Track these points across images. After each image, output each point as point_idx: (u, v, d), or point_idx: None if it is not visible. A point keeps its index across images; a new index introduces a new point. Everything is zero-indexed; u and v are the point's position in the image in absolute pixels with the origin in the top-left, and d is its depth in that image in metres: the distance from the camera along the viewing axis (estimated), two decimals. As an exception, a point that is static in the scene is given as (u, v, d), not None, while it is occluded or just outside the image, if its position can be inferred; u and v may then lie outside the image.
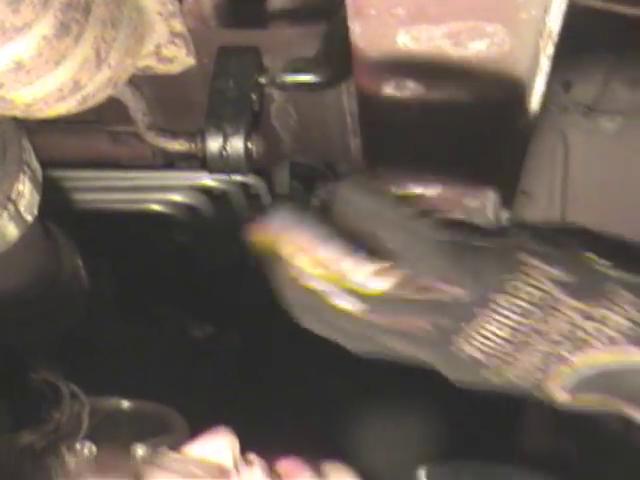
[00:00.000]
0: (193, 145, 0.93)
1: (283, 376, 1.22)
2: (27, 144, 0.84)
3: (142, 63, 0.80)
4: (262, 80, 0.96)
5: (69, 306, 1.02)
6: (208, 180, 1.07)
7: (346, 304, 0.68)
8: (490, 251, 0.70)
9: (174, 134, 0.93)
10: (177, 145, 0.93)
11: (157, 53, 0.82)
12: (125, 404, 0.95)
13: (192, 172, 1.07)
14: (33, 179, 0.84)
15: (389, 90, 0.93)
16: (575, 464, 0.68)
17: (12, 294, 0.93)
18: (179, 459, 0.87)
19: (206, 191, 1.09)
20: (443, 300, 0.69)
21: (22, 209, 0.83)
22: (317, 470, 0.93)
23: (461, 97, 0.90)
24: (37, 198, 0.85)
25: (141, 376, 1.08)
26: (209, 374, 1.19)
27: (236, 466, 0.89)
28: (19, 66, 0.63)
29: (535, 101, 0.95)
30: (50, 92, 0.67)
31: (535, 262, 0.70)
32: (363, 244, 0.68)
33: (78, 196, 1.07)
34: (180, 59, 0.84)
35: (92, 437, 0.86)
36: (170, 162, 1.08)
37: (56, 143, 1.04)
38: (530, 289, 0.69)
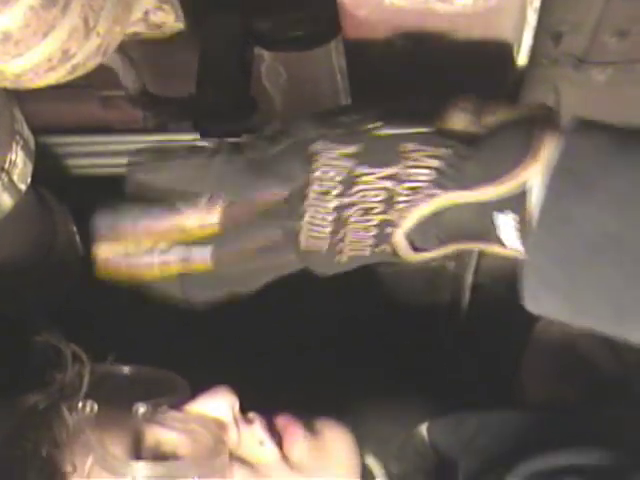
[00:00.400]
0: (184, 108, 0.94)
1: (278, 337, 1.23)
2: (18, 114, 0.84)
3: (131, 30, 0.80)
4: (251, 40, 0.96)
5: (64, 273, 1.02)
6: (200, 143, 1.07)
7: (201, 259, 0.76)
8: (286, 153, 0.75)
9: (165, 98, 0.93)
10: (168, 109, 0.93)
11: (145, 20, 0.82)
12: (125, 369, 0.95)
13: (184, 135, 1.07)
14: (25, 148, 0.84)
15: (377, 47, 0.92)
16: (574, 410, 0.69)
17: (7, 263, 0.93)
18: (179, 417, 0.89)
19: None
20: (270, 210, 0.75)
21: (15, 178, 0.83)
22: (311, 426, 0.94)
23: (449, 53, 0.90)
24: (30, 167, 0.85)
25: (138, 339, 1.09)
26: (202, 336, 1.19)
27: (236, 423, 0.89)
28: (7, 38, 0.63)
29: (524, 54, 0.95)
30: (39, 62, 0.66)
31: (326, 146, 0.75)
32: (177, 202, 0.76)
33: (70, 162, 1.07)
34: (169, 24, 0.84)
35: (93, 396, 0.87)
36: (162, 126, 1.08)
37: (47, 109, 1.04)
38: (331, 173, 0.74)
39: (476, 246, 0.77)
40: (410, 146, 0.74)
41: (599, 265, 0.69)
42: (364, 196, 0.74)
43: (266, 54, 1.01)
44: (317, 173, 0.74)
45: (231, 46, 0.93)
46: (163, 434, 0.89)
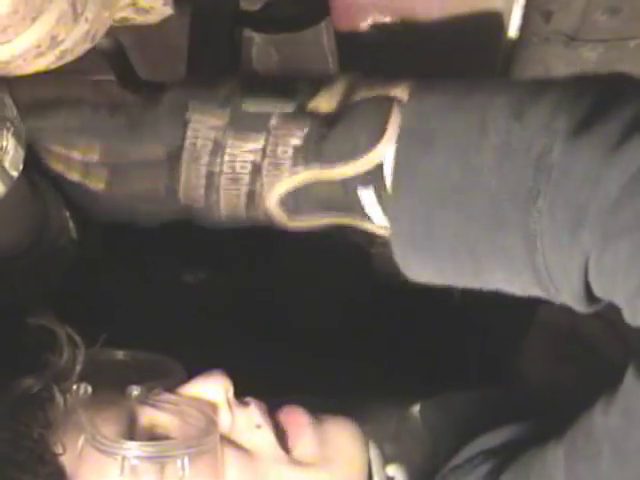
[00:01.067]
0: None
1: (276, 317, 1.23)
2: (8, 100, 0.84)
3: (119, 15, 0.80)
4: (241, 23, 0.96)
5: (58, 258, 1.02)
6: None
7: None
8: (164, 116, 0.80)
9: (155, 83, 0.93)
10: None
11: (134, 4, 0.81)
12: (120, 354, 0.95)
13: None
14: (16, 135, 0.84)
15: (366, 28, 0.93)
16: (576, 392, 0.71)
17: (1, 248, 0.93)
18: (172, 399, 0.90)
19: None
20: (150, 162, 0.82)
21: (7, 165, 0.83)
22: (317, 418, 0.94)
23: (438, 33, 0.90)
24: (22, 153, 0.85)
25: (133, 325, 1.09)
26: (202, 320, 1.19)
27: (230, 406, 0.90)
28: (-5, 24, 0.63)
29: (513, 33, 0.95)
30: (28, 49, 0.66)
31: (196, 114, 0.79)
32: None
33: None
34: (157, 9, 0.84)
35: (87, 379, 0.88)
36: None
37: (37, 94, 1.03)
38: (202, 141, 0.79)
39: (348, 221, 0.82)
40: (274, 122, 0.79)
41: (448, 217, 0.72)
42: (232, 167, 0.80)
43: (257, 36, 1.01)
44: (188, 141, 0.79)
45: (221, 29, 0.93)
46: (156, 416, 0.90)
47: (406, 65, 0.92)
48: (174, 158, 0.80)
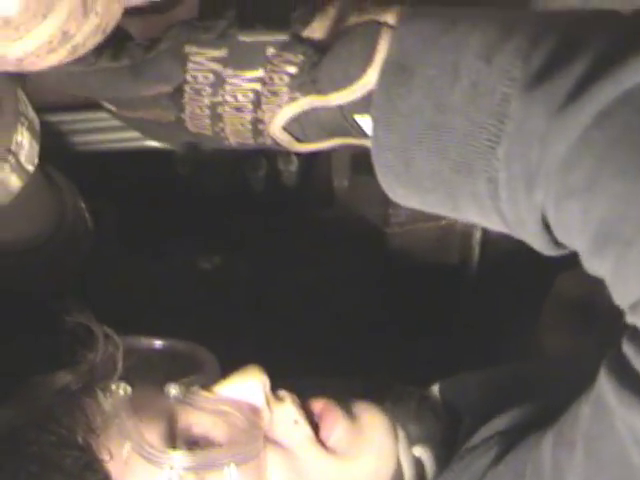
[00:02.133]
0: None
1: (293, 300, 1.23)
2: (22, 95, 0.84)
3: (130, 4, 0.80)
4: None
5: (75, 249, 1.03)
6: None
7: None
8: (162, 57, 0.82)
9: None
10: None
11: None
12: (157, 343, 0.95)
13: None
14: (31, 129, 0.84)
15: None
16: (595, 364, 0.70)
17: (19, 243, 0.94)
18: (211, 398, 0.89)
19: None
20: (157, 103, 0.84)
21: (23, 160, 0.83)
22: (349, 409, 0.93)
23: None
24: (36, 148, 0.86)
25: (152, 312, 1.10)
26: (220, 305, 1.20)
27: (268, 403, 0.89)
28: (7, 22, 0.63)
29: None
30: (40, 45, 0.67)
31: (195, 49, 0.81)
32: None
33: (76, 138, 1.07)
34: (168, -2, 0.85)
35: (126, 378, 0.87)
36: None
37: (49, 87, 1.04)
38: (201, 75, 0.82)
39: (354, 141, 0.83)
40: (271, 51, 0.80)
41: (424, 155, 0.72)
42: (234, 96, 0.82)
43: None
44: (189, 74, 0.81)
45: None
46: (195, 416, 0.88)
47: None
48: (177, 94, 0.83)
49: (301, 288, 1.24)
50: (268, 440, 0.89)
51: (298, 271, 1.23)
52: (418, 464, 0.96)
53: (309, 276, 1.24)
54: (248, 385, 0.90)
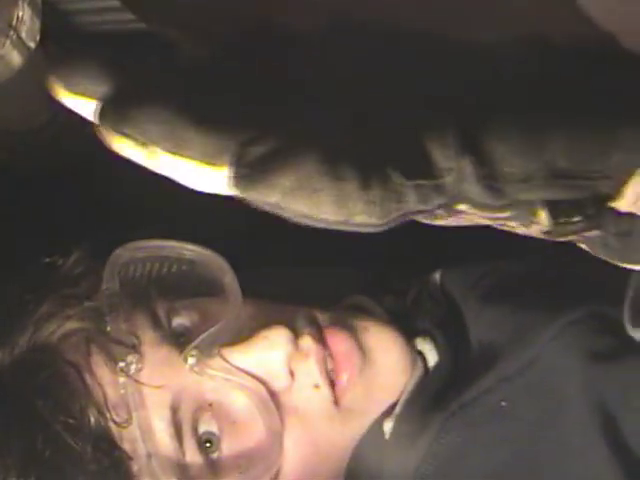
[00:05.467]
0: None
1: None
2: (22, -31, 0.83)
3: None
4: None
5: (75, 131, 1.02)
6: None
7: None
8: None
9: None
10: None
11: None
12: (173, 252, 0.91)
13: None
14: (32, 4, 0.83)
15: None
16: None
17: (20, 122, 0.93)
18: (230, 368, 0.85)
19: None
20: None
21: (24, 35, 0.82)
22: (365, 347, 0.91)
23: None
24: (38, 24, 0.84)
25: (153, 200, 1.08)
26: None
27: (290, 368, 0.86)
28: None
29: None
30: None
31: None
32: None
33: (79, 18, 1.05)
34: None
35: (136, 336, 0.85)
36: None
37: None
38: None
39: None
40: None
41: None
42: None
43: None
44: None
45: None
46: (210, 385, 0.86)
47: None
48: None
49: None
50: (284, 408, 0.87)
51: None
52: (420, 357, 0.95)
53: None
54: (271, 357, 0.87)
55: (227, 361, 0.86)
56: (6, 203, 0.98)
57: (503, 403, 0.87)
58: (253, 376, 0.86)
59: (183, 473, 0.82)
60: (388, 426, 0.90)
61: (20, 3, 0.81)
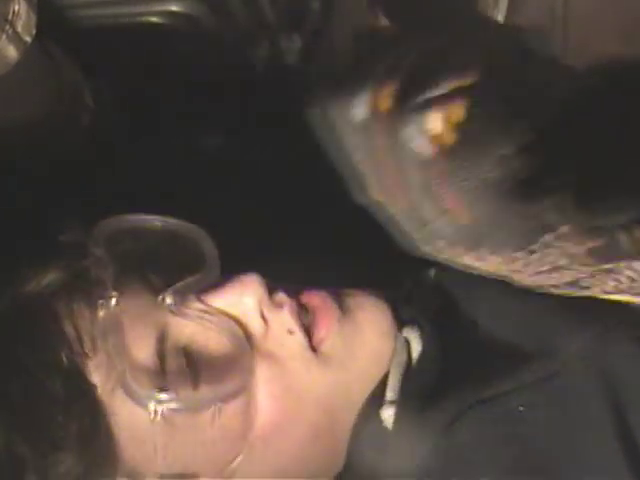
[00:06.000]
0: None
1: (294, 182, 1.22)
2: (17, -38, 0.83)
3: None
4: None
5: (74, 125, 1.02)
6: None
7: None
8: None
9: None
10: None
11: None
12: (156, 223, 0.93)
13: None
14: (28, -2, 0.83)
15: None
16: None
17: (17, 116, 0.93)
18: (206, 310, 0.86)
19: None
20: None
21: (20, 30, 0.82)
22: (344, 305, 0.91)
23: None
24: (34, 18, 0.84)
25: (152, 190, 1.09)
26: (220, 184, 1.19)
27: (263, 314, 0.87)
28: None
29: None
30: None
31: None
32: None
33: (75, 13, 1.05)
34: None
35: (117, 287, 0.85)
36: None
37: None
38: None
39: None
40: None
41: None
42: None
43: None
44: None
45: None
46: (188, 329, 0.87)
47: None
48: None
49: (301, 172, 1.23)
50: (259, 352, 0.87)
51: (299, 155, 1.21)
52: (406, 345, 0.95)
53: (313, 154, 1.22)
54: (244, 299, 0.88)
55: (203, 302, 0.87)
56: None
57: (521, 408, 0.86)
58: (228, 316, 0.87)
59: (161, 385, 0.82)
60: (388, 413, 0.90)
61: (16, -3, 0.81)
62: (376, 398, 0.91)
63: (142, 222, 0.93)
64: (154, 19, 1.03)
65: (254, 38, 1.12)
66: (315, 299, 0.92)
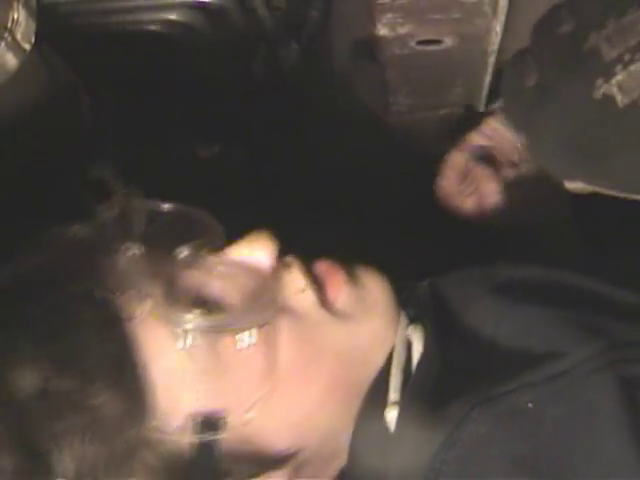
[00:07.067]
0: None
1: (292, 192, 1.23)
2: (18, -29, 0.83)
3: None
4: None
5: (72, 133, 1.03)
6: (203, -4, 1.05)
7: None
8: None
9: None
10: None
11: None
12: (165, 206, 0.94)
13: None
14: (27, 6, 0.83)
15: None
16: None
17: (17, 123, 0.93)
18: (220, 261, 0.89)
19: (202, 8, 1.07)
20: None
21: (19, 37, 0.82)
22: (352, 272, 0.93)
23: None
24: (33, 26, 0.84)
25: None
26: (218, 194, 1.19)
27: (274, 268, 0.89)
28: None
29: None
30: None
31: None
32: None
33: (74, 21, 1.05)
34: None
35: (141, 238, 0.87)
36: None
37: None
38: None
39: None
40: None
41: None
42: None
43: None
44: None
45: None
46: (205, 280, 0.88)
47: None
48: None
49: (301, 175, 1.24)
50: (275, 305, 0.89)
51: (298, 158, 1.22)
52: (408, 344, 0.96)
53: (309, 163, 1.23)
54: (257, 249, 0.90)
55: (217, 255, 0.90)
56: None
57: (530, 404, 0.87)
58: (242, 267, 0.89)
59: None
60: (392, 415, 0.90)
61: (15, 5, 0.81)
62: (378, 398, 0.92)
63: (159, 205, 0.95)
64: (153, 28, 1.04)
65: (253, 46, 1.13)
66: (322, 265, 0.94)
